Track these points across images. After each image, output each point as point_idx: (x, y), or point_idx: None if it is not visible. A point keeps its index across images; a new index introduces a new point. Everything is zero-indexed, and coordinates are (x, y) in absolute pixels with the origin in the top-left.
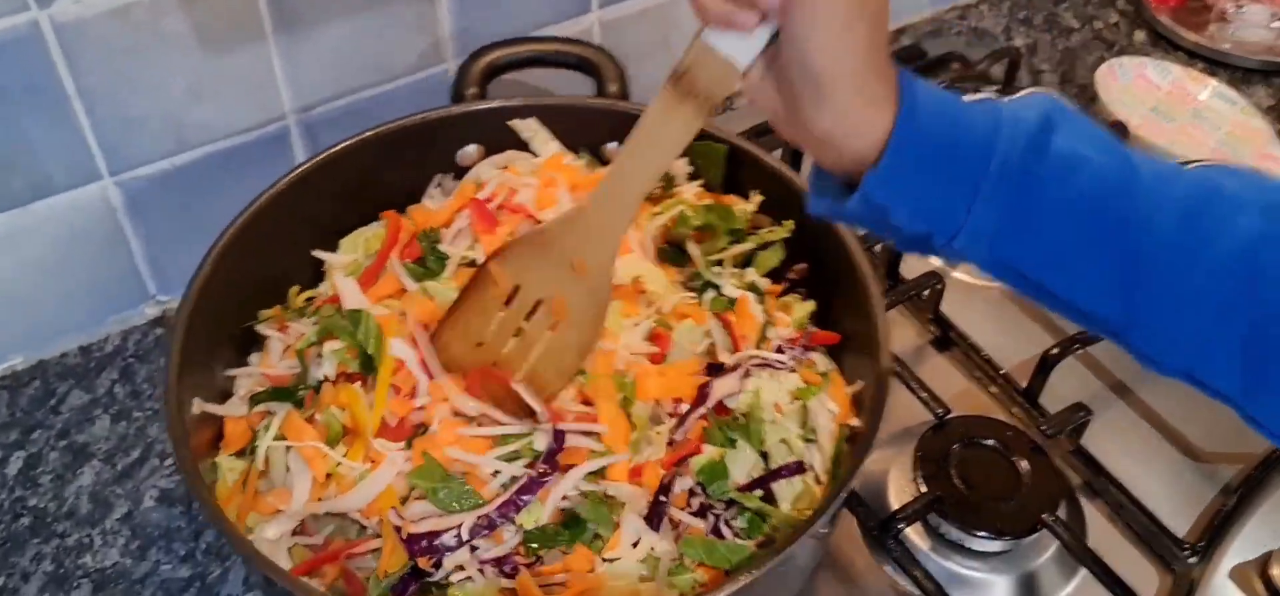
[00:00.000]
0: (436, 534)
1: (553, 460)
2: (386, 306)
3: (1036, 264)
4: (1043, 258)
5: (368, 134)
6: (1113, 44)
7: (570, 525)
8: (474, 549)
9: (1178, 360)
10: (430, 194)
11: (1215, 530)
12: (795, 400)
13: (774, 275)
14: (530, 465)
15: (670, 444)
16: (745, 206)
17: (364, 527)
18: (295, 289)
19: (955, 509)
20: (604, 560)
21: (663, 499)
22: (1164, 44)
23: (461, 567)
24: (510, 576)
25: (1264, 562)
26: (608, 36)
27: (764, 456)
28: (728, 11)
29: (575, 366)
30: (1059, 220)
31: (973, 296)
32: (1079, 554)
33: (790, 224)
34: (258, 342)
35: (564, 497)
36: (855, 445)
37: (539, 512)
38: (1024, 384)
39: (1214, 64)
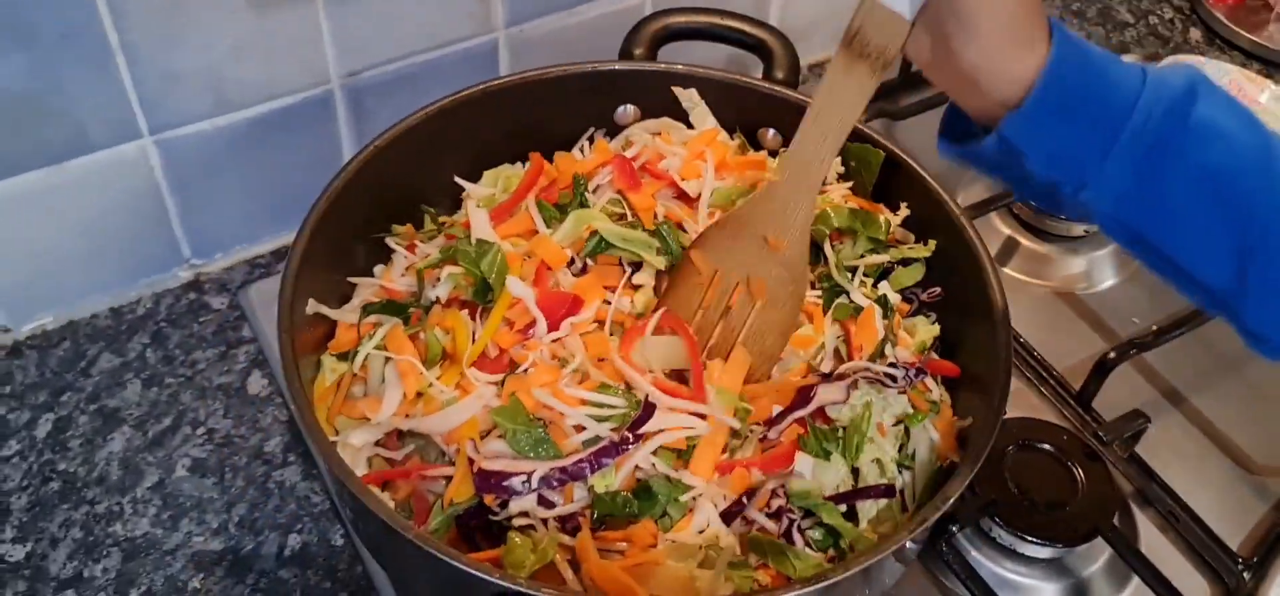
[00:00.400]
0: (507, 475)
1: (639, 430)
2: (514, 244)
3: (1158, 226)
4: (1166, 221)
5: (532, 74)
6: (1167, 40)
7: (642, 495)
8: (542, 499)
9: None
10: (581, 146)
11: (1270, 544)
12: (898, 423)
13: (906, 294)
14: (616, 429)
15: (762, 440)
16: (891, 217)
17: (443, 453)
18: (432, 212)
19: (1009, 513)
20: (668, 538)
21: (745, 501)
22: (1220, 42)
23: (526, 514)
24: (572, 533)
25: None
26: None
27: (855, 471)
28: None
29: (779, 346)
30: (1190, 187)
31: (1024, 294)
32: (1135, 564)
33: (933, 244)
34: (388, 255)
35: (638, 468)
36: (950, 479)
37: (612, 478)
38: (1077, 387)
39: (1272, 66)
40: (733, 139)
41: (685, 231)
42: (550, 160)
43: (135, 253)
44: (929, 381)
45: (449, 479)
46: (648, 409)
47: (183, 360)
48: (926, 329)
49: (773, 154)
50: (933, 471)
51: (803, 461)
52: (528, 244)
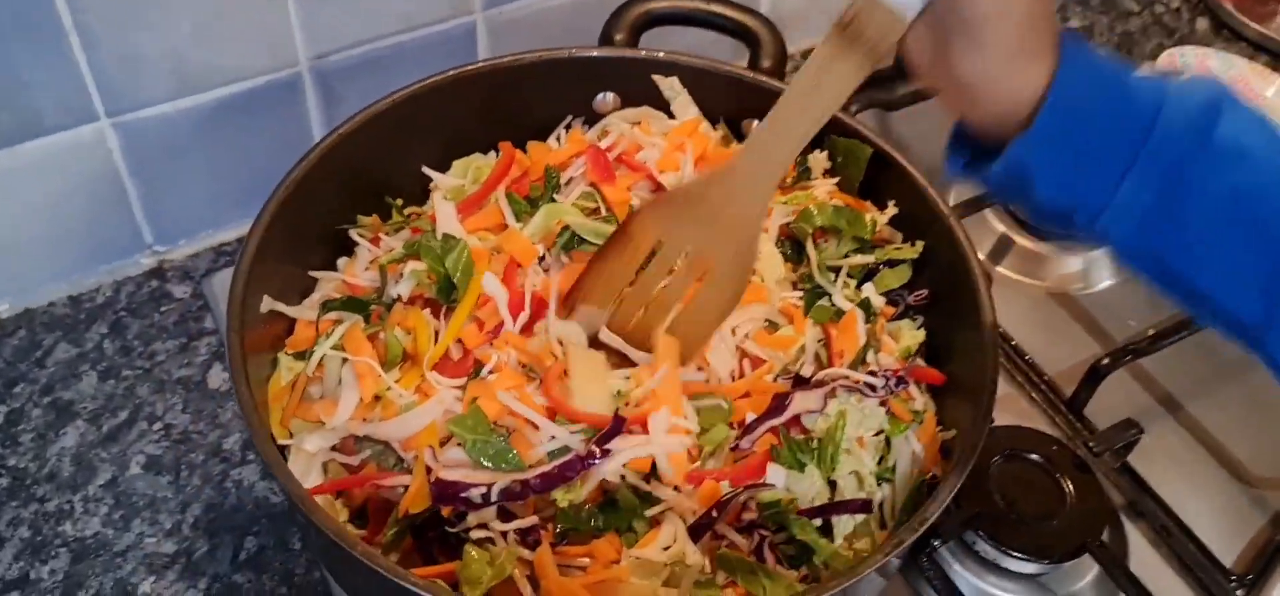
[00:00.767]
0: (465, 486)
1: (606, 444)
2: (481, 239)
3: (1181, 253)
4: (1189, 248)
5: (506, 60)
6: (1173, 31)
7: (607, 509)
8: (503, 511)
9: None
10: (558, 134)
11: (1266, 560)
12: (878, 433)
13: (892, 296)
14: (586, 441)
15: (733, 449)
16: (877, 216)
17: (401, 460)
18: (398, 202)
19: (993, 526)
20: (632, 555)
21: (714, 515)
22: (1227, 33)
23: (484, 526)
24: (532, 547)
25: None
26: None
27: (831, 485)
28: None
29: (715, 325)
30: (1213, 211)
31: (1017, 294)
32: (1123, 582)
33: (921, 245)
34: (353, 249)
35: (605, 481)
36: (932, 495)
37: (578, 492)
38: (1069, 393)
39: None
40: (716, 130)
41: None
42: (524, 150)
43: (95, 238)
44: (913, 389)
45: (406, 487)
46: (617, 422)
47: (142, 351)
48: (911, 334)
49: None
50: (914, 484)
51: (775, 473)
52: (496, 239)
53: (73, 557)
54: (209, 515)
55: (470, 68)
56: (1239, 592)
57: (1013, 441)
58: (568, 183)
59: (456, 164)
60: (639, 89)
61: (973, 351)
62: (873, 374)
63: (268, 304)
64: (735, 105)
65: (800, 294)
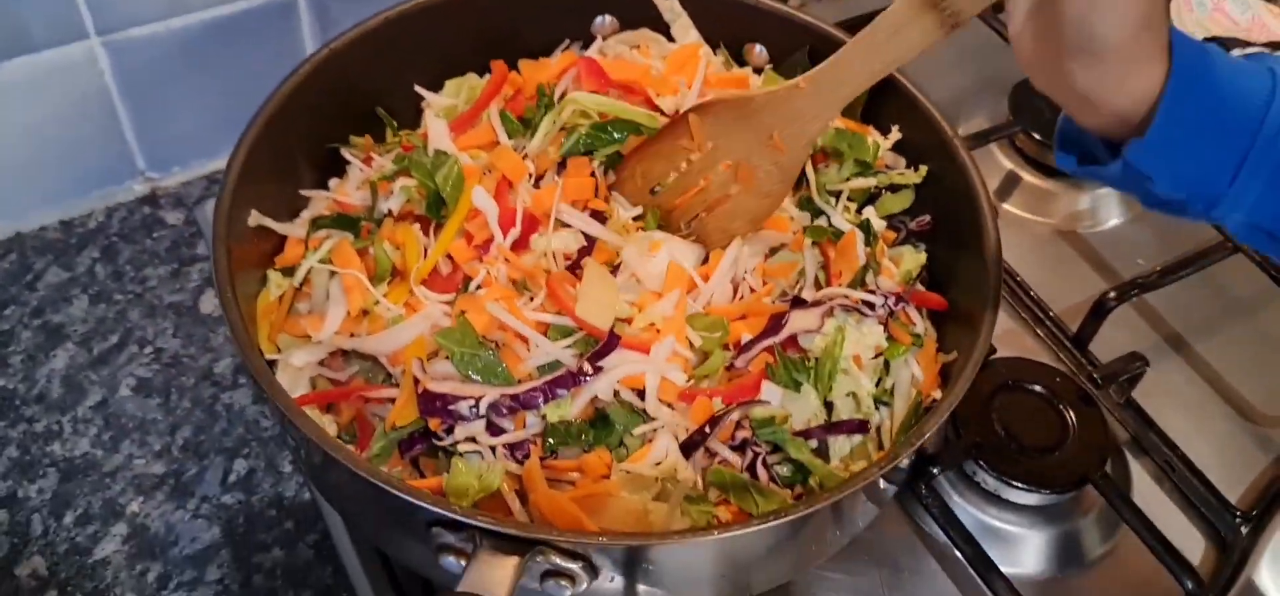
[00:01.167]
0: (454, 398)
1: (599, 361)
2: (473, 156)
3: None
4: None
5: None
6: None
7: (598, 424)
8: (492, 425)
9: None
10: (555, 57)
11: (1270, 498)
12: (878, 356)
13: (894, 222)
14: (579, 357)
15: (729, 368)
16: (880, 140)
17: (390, 375)
18: (391, 124)
19: (994, 457)
20: (622, 469)
21: (707, 431)
22: None
23: (473, 440)
24: (520, 461)
25: None
26: None
27: (828, 406)
28: None
29: (743, 231)
30: None
31: (1024, 232)
32: (1127, 514)
33: (924, 170)
34: (345, 169)
35: (597, 397)
36: (928, 417)
37: (568, 407)
38: (1074, 329)
39: None
40: (716, 54)
41: None
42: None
43: (86, 163)
44: (912, 313)
45: (394, 401)
46: (612, 339)
47: (133, 276)
48: (913, 258)
49: (758, 71)
50: (913, 408)
51: (770, 391)
52: (488, 155)
53: (61, 477)
54: (198, 437)
55: None
56: (1244, 529)
57: (1016, 372)
58: (561, 98)
59: (449, 83)
60: (638, 11)
61: (976, 277)
62: (872, 293)
63: (255, 218)
64: (736, 30)
65: (804, 214)
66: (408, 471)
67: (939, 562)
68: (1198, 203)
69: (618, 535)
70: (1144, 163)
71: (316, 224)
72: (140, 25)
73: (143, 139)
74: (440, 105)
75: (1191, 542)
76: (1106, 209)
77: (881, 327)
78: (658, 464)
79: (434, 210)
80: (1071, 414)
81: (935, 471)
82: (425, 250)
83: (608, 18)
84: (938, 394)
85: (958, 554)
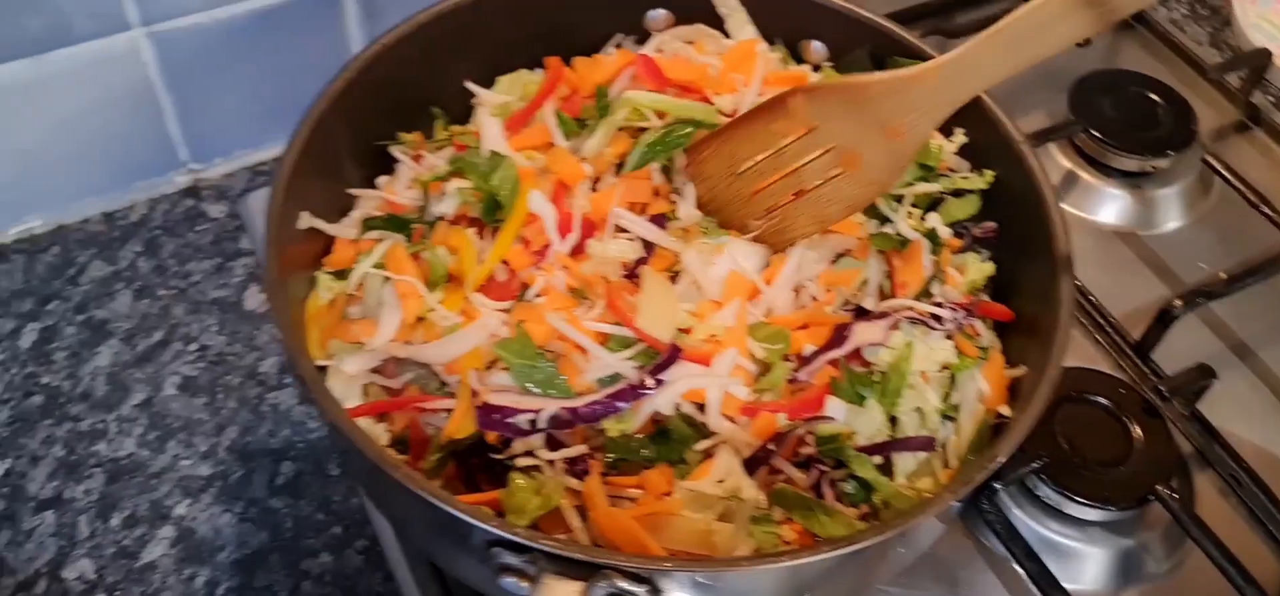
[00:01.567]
0: (512, 411)
1: (661, 374)
2: (528, 157)
3: None
4: None
5: None
6: None
7: (659, 439)
8: (551, 438)
9: None
10: (609, 52)
11: None
12: (943, 370)
13: (957, 228)
14: (640, 369)
15: (791, 382)
16: (944, 144)
17: (444, 384)
18: (441, 120)
19: (1056, 470)
20: (685, 487)
21: (771, 448)
22: None
23: (530, 454)
24: (580, 476)
25: None
26: None
27: (892, 421)
28: None
29: (837, 218)
30: None
31: (1082, 232)
32: (1195, 532)
33: (991, 175)
34: (393, 166)
35: (657, 413)
36: (999, 435)
37: (629, 422)
38: (1136, 336)
39: None
40: (773, 50)
41: None
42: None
43: (129, 155)
44: (978, 325)
45: (450, 412)
46: (673, 351)
47: (176, 271)
48: (979, 268)
49: (816, 68)
50: (980, 425)
51: (835, 406)
52: (544, 158)
53: (108, 478)
54: (245, 439)
55: None
56: None
57: (1078, 384)
58: (617, 96)
59: (502, 79)
60: (693, 6)
61: (1043, 288)
62: (940, 306)
63: (306, 220)
64: (794, 26)
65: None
66: (462, 485)
67: (998, 577)
68: None
69: (685, 560)
70: None
71: (368, 224)
72: (185, 15)
73: (185, 130)
74: (493, 103)
75: (1258, 560)
76: (1166, 211)
77: (950, 342)
78: (721, 482)
79: (489, 214)
80: (1136, 426)
81: (997, 486)
82: (480, 255)
83: (661, 11)
84: (1005, 409)
85: (1018, 569)
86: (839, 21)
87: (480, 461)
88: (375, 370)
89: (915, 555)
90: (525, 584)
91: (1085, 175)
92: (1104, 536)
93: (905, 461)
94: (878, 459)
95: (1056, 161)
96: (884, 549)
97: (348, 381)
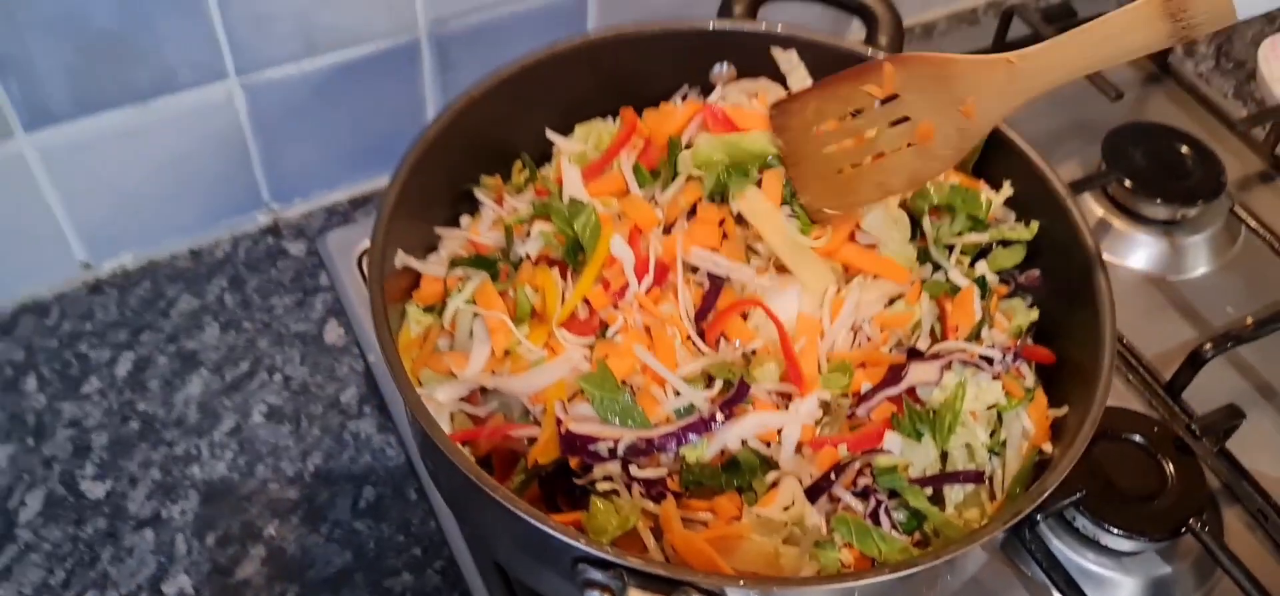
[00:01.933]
0: (593, 439)
1: (731, 407)
2: (604, 204)
3: None
4: None
5: (629, 29)
6: (1275, 17)
7: (730, 468)
8: (627, 465)
9: None
10: (675, 102)
11: None
12: (991, 408)
13: (1003, 275)
14: (713, 400)
15: (850, 417)
16: (992, 196)
17: (527, 412)
18: (518, 164)
19: (1093, 503)
20: (754, 512)
21: (832, 478)
22: None
23: (609, 479)
24: (656, 499)
25: None
26: None
27: (943, 455)
28: None
29: (899, 189)
30: None
31: (1113, 278)
32: (1226, 562)
33: (1036, 226)
34: (473, 205)
35: (726, 446)
36: (1042, 470)
37: (703, 450)
38: (1167, 376)
39: None
40: None
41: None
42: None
43: (216, 195)
44: (1023, 367)
45: (532, 439)
46: (742, 389)
47: (260, 305)
48: (1024, 313)
49: None
50: (1025, 460)
51: (892, 440)
52: (619, 203)
53: (201, 499)
54: (328, 464)
55: (595, 36)
56: None
57: (1113, 423)
58: (687, 146)
59: (579, 128)
60: (755, 61)
61: (1084, 332)
62: (989, 349)
63: (402, 259)
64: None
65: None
66: (544, 505)
67: None
68: None
69: (757, 579)
70: None
71: (454, 263)
72: (276, 67)
73: (268, 172)
74: (571, 151)
75: None
76: (1196, 258)
77: (998, 383)
78: (786, 509)
79: (571, 256)
80: (1168, 463)
81: (1039, 518)
82: (563, 294)
83: (726, 65)
84: (1047, 446)
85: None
86: None
87: (562, 484)
88: (463, 399)
89: (961, 581)
90: None
91: (1117, 223)
92: (1138, 566)
93: (955, 493)
94: (929, 490)
95: (1090, 209)
96: (935, 574)
97: (438, 408)
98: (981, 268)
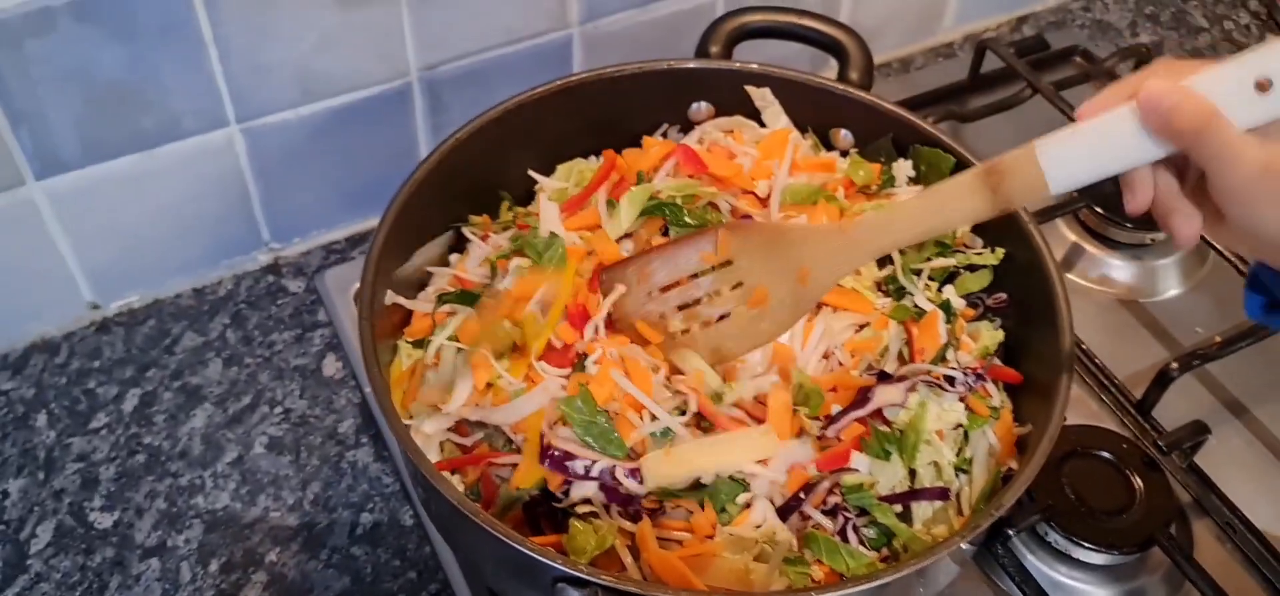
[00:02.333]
0: (573, 456)
1: (701, 427)
2: (582, 238)
3: None
4: None
5: (609, 71)
6: (1242, 47)
7: (700, 488)
8: (604, 486)
9: None
10: (656, 140)
11: None
12: (957, 427)
13: (972, 298)
14: (688, 423)
15: (819, 439)
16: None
17: (511, 441)
18: (506, 202)
19: (1065, 518)
20: (726, 532)
21: (802, 497)
22: None
23: (588, 501)
24: (633, 520)
25: None
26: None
27: (911, 474)
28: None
29: (742, 352)
30: None
31: (1087, 301)
32: (1192, 574)
33: (1001, 252)
34: (462, 244)
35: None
36: (1007, 486)
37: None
38: (1138, 395)
39: None
40: (805, 138)
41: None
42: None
43: (218, 236)
44: (990, 386)
45: (515, 466)
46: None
47: (261, 341)
48: (990, 334)
49: (844, 154)
50: (991, 476)
51: (860, 460)
52: (589, 238)
53: (205, 527)
54: (327, 493)
55: (575, 78)
56: None
57: (1084, 440)
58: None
59: (560, 168)
60: (732, 98)
61: (1049, 352)
62: (952, 370)
63: (391, 297)
64: (824, 115)
65: (888, 300)
66: (528, 529)
67: None
68: None
69: (727, 594)
70: None
71: (442, 299)
72: (275, 113)
73: (268, 213)
74: (552, 188)
75: None
76: (1166, 280)
77: (961, 404)
78: (758, 527)
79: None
80: (1137, 479)
81: (1010, 533)
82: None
83: (704, 104)
84: (1014, 463)
85: None
86: (864, 112)
87: (543, 510)
88: (450, 429)
89: (933, 594)
90: None
91: (1090, 247)
92: (1110, 579)
93: (923, 509)
94: (898, 507)
95: (1063, 235)
96: (903, 586)
97: (427, 440)
98: (948, 291)
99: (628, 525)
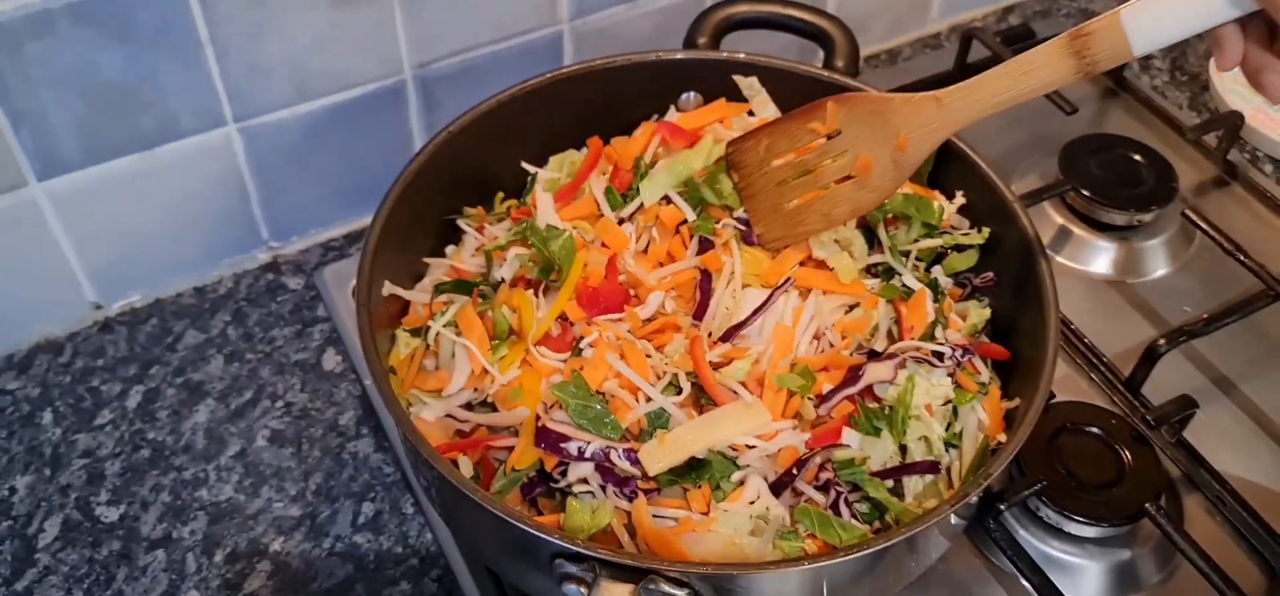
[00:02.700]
0: (567, 437)
1: (698, 406)
2: (577, 227)
3: None
4: None
5: (599, 63)
6: None
7: (695, 468)
8: (599, 467)
9: None
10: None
11: None
12: (947, 403)
13: (960, 278)
14: (682, 405)
15: (813, 420)
16: (945, 204)
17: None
18: (500, 195)
19: (1056, 493)
20: (720, 508)
21: (794, 473)
22: None
23: (584, 481)
24: (629, 498)
25: None
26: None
27: (902, 449)
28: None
29: (842, 219)
30: None
31: (1076, 282)
32: (1182, 544)
33: (987, 232)
34: (457, 235)
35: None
36: (994, 458)
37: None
38: (1127, 373)
39: None
40: None
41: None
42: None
43: (218, 234)
44: (978, 363)
45: (511, 449)
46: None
47: (262, 337)
48: (978, 312)
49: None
50: (980, 451)
51: (850, 436)
52: (592, 227)
53: (210, 520)
54: (329, 483)
55: (566, 70)
56: None
57: (1074, 416)
58: (650, 164)
59: (552, 159)
60: (720, 88)
61: (1036, 329)
62: (940, 345)
63: (388, 288)
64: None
65: (872, 278)
66: (526, 508)
67: (1007, 592)
68: None
69: (720, 565)
70: None
71: (438, 289)
72: (271, 112)
73: (267, 211)
74: (546, 179)
75: (1243, 572)
76: (1152, 260)
77: (949, 378)
78: (751, 503)
79: (545, 275)
80: (1127, 453)
81: (1002, 508)
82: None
83: (693, 94)
84: (1002, 437)
85: (1025, 583)
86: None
87: (541, 490)
88: (448, 414)
89: (925, 566)
90: (583, 589)
91: (1077, 230)
92: (1101, 552)
93: (914, 483)
94: (889, 482)
95: (1050, 218)
96: (894, 557)
97: (426, 425)
98: (936, 271)
99: (624, 503)
